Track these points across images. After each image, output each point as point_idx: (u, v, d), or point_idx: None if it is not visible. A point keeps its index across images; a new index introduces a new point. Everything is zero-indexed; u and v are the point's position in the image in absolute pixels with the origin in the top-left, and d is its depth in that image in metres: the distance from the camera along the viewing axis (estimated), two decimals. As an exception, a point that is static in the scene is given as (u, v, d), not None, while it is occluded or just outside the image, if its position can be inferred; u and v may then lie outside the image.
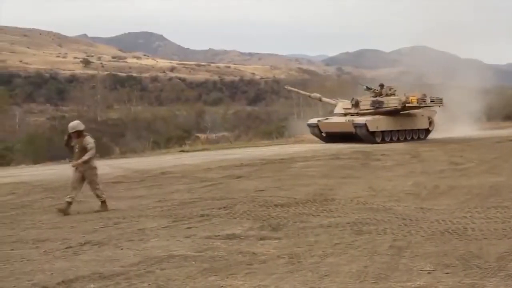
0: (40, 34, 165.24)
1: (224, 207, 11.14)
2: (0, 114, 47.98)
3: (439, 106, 32.49)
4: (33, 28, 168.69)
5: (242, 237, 8.52)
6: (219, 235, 8.67)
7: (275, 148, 28.52)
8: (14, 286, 6.50)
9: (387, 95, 31.54)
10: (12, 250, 8.23)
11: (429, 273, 6.52)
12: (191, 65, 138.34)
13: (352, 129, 29.76)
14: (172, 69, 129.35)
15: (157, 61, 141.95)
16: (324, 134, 31.38)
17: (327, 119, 31.75)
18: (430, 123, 32.90)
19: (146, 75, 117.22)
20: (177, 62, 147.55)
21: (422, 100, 30.94)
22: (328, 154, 23.05)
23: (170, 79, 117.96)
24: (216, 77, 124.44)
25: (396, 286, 6.07)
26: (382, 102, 30.90)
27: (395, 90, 31.85)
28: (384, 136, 30.27)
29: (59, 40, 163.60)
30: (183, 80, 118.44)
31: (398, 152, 23.17)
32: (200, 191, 13.78)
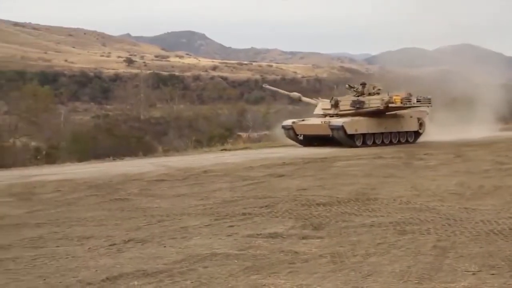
0: (85, 33, 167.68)
1: (266, 206, 11.14)
2: (46, 113, 48.76)
3: (428, 106, 30.11)
4: (78, 28, 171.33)
5: (284, 236, 8.52)
6: (261, 234, 8.69)
7: (316, 147, 28.35)
8: (60, 282, 6.60)
9: (369, 94, 29.18)
10: (58, 247, 8.36)
11: (473, 274, 6.44)
12: (233, 64, 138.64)
13: (329, 132, 27.54)
14: (214, 68, 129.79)
15: (199, 60, 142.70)
16: (300, 137, 29.05)
17: (303, 120, 29.38)
18: (421, 124, 30.23)
19: (188, 74, 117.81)
20: (219, 61, 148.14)
21: (406, 100, 28.46)
22: (370, 153, 22.91)
23: (212, 78, 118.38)
24: (258, 76, 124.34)
25: (440, 287, 6.01)
26: (363, 102, 28.47)
27: (379, 89, 29.43)
28: (366, 140, 28.00)
29: (103, 39, 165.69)
30: (225, 79, 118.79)
31: (442, 152, 22.92)
32: (242, 189, 13.81)
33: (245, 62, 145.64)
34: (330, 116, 28.69)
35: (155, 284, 6.37)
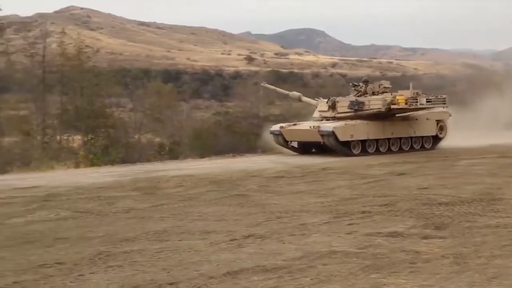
0: (207, 32, 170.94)
1: (386, 205, 11.00)
2: (169, 110, 50.12)
3: (443, 107, 25.20)
4: (200, 27, 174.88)
5: (404, 235, 8.39)
6: (380, 233, 8.59)
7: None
8: (183, 275, 6.78)
9: (373, 94, 24.84)
10: (180, 240, 8.59)
11: None
12: (352, 60, 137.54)
13: (320, 138, 23.52)
14: (334, 65, 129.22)
15: (318, 57, 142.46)
16: (291, 144, 25.30)
17: (295, 124, 25.28)
18: (441, 128, 25.58)
19: (308, 71, 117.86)
20: (339, 58, 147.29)
21: (412, 100, 23.90)
22: (496, 151, 22.14)
23: (331, 75, 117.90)
24: (377, 73, 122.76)
25: None
26: (362, 103, 24.05)
27: (385, 88, 25.11)
28: (366, 147, 23.67)
29: (224, 37, 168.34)
30: (344, 76, 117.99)
31: None
32: (361, 187, 13.70)
33: (365, 59, 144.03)
34: (327, 119, 24.82)
35: (275, 280, 6.42)
